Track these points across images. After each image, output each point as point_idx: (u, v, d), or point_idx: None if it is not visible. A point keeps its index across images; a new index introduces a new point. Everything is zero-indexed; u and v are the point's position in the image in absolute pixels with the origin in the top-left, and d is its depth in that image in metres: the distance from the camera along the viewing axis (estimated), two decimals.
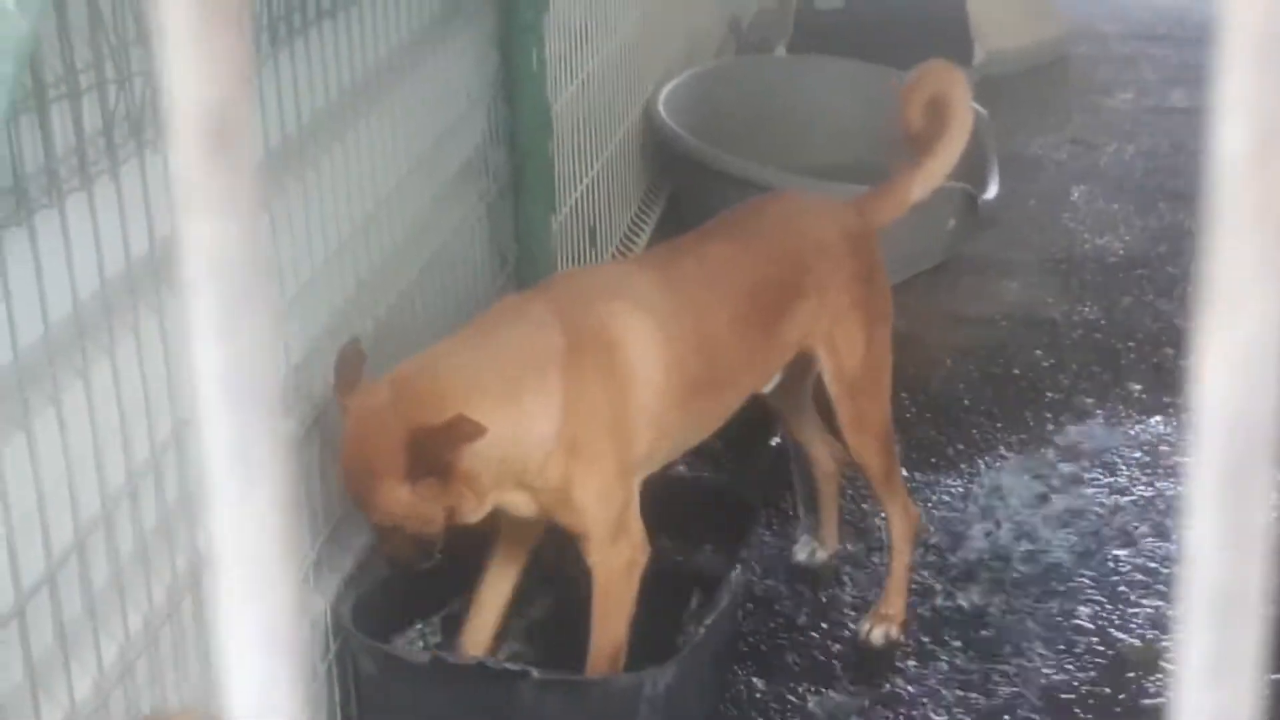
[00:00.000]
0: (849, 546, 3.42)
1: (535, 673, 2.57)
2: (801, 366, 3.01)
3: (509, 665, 2.64)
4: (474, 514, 2.49)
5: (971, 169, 4.69)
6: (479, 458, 2.40)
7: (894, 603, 3.14)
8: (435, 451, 2.35)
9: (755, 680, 3.02)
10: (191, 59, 0.48)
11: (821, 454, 3.28)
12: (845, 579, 3.34)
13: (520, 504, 2.56)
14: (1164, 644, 3.12)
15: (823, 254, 2.90)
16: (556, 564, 2.89)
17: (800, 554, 3.36)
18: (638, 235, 4.75)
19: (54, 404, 1.84)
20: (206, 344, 0.50)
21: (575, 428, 2.51)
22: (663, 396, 2.64)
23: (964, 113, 2.99)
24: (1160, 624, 3.17)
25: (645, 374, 2.61)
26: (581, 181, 4.12)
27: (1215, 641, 0.51)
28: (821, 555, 3.36)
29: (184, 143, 0.48)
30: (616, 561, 2.62)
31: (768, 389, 3.02)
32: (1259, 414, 0.49)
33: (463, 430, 2.34)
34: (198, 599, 2.15)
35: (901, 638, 3.12)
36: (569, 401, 2.51)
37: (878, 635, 3.10)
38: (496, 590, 2.81)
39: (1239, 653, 0.50)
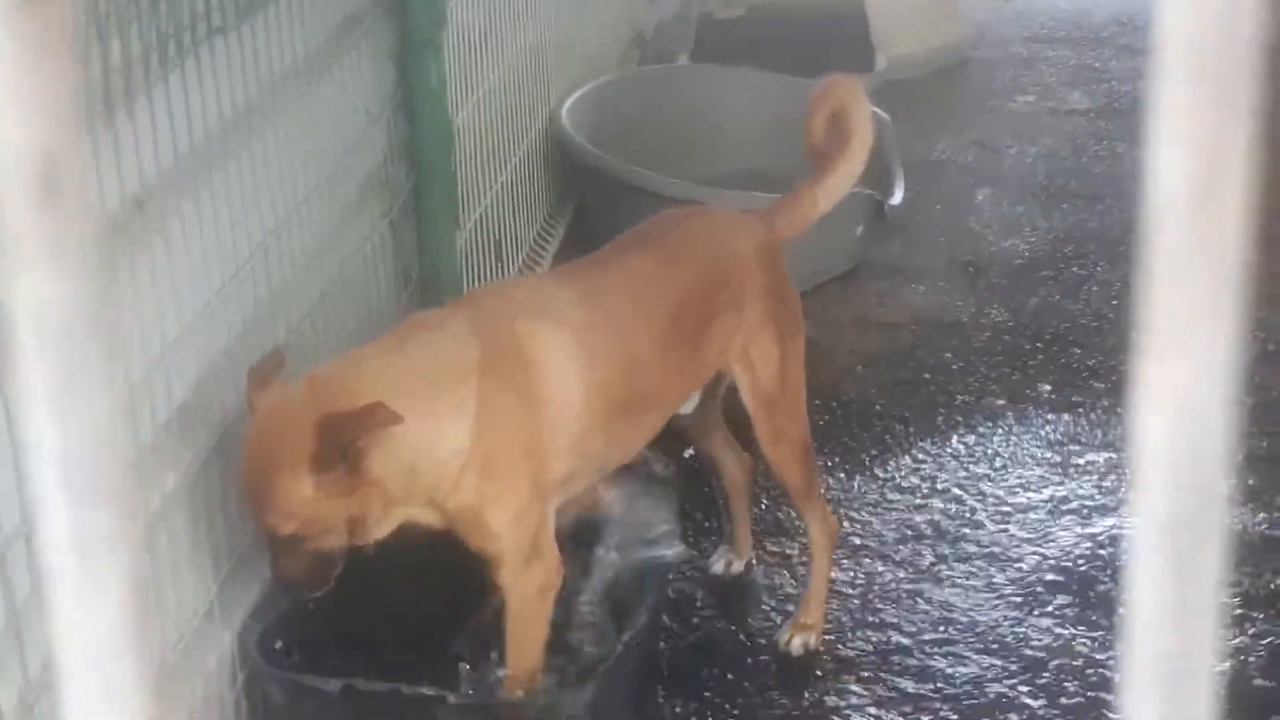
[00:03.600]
0: (766, 555, 3.41)
1: (451, 697, 2.53)
2: (713, 381, 2.99)
3: (424, 690, 2.58)
4: (378, 527, 2.43)
5: (876, 175, 4.70)
6: (391, 460, 2.35)
7: (813, 612, 3.12)
8: (347, 435, 2.28)
9: (675, 696, 2.99)
10: (12, 97, 0.43)
11: (731, 465, 3.26)
12: (762, 589, 3.32)
13: (432, 520, 2.51)
14: (1078, 643, 3.12)
15: (738, 269, 2.89)
16: None
17: (716, 565, 3.34)
18: (544, 249, 4.71)
19: None
20: (40, 422, 0.45)
21: (489, 446, 2.47)
22: (582, 418, 2.60)
23: (865, 126, 3.00)
24: (1073, 621, 3.18)
25: (564, 395, 2.57)
26: (485, 196, 4.07)
27: (1163, 711, 0.46)
28: (737, 566, 3.34)
29: (8, 190, 0.43)
30: (529, 586, 2.57)
31: (687, 409, 3.00)
32: (1204, 465, 0.45)
33: (378, 416, 2.29)
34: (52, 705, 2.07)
35: (820, 647, 3.11)
36: (483, 417, 2.46)
37: (797, 645, 3.09)
38: None
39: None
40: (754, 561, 3.37)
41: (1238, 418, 0.45)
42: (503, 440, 2.49)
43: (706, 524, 3.50)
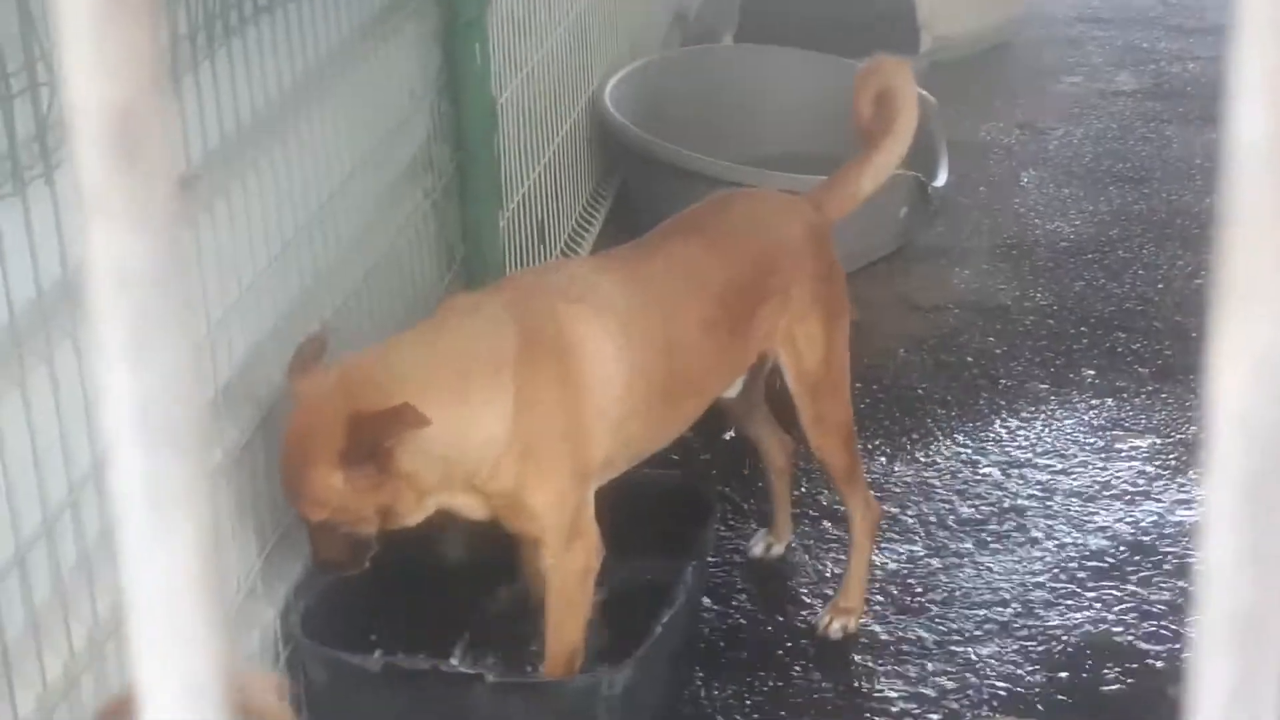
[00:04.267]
0: (806, 540, 3.40)
1: (490, 676, 2.54)
2: (756, 363, 2.99)
3: (463, 669, 2.60)
4: (411, 515, 2.44)
5: (921, 157, 4.68)
6: (421, 454, 2.36)
7: (852, 595, 3.12)
8: (374, 436, 2.30)
9: (713, 678, 3.00)
10: (92, 53, 0.43)
11: (773, 449, 3.26)
12: (802, 572, 3.32)
13: (470, 507, 2.53)
14: (1121, 631, 3.11)
15: (788, 253, 2.88)
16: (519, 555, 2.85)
17: (755, 548, 3.34)
18: (586, 230, 4.72)
19: None
20: (116, 372, 0.45)
21: (528, 431, 2.48)
22: (623, 402, 2.60)
23: (910, 107, 2.99)
24: (1115, 608, 3.17)
25: (604, 379, 2.57)
26: (528, 177, 4.08)
27: (1235, 668, 0.47)
28: (777, 549, 3.34)
29: (87, 147, 0.44)
30: (571, 566, 2.58)
31: (732, 393, 2.99)
32: None
33: (405, 418, 2.31)
34: (121, 644, 2.11)
35: (859, 631, 3.11)
36: (521, 404, 2.47)
37: (836, 628, 3.09)
38: None
39: (1261, 680, 0.47)
40: (794, 545, 3.37)
41: None
42: (542, 425, 2.49)
43: (746, 506, 3.50)
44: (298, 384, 2.40)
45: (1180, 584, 3.26)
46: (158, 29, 0.46)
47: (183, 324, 0.47)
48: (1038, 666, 3.01)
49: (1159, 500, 3.56)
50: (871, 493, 3.21)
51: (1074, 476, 3.67)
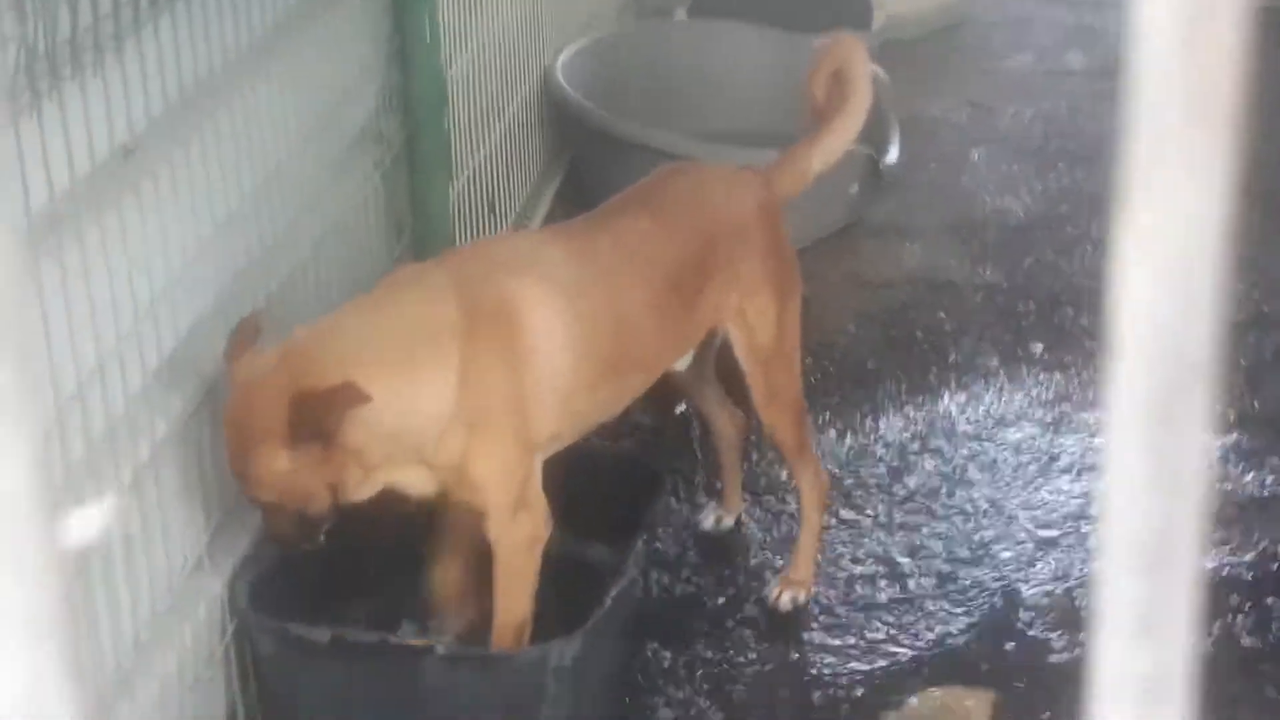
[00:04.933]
0: (756, 513, 3.41)
1: (440, 648, 2.53)
2: (706, 337, 2.98)
3: (412, 641, 2.59)
4: (360, 491, 2.43)
5: (873, 133, 4.68)
6: (367, 429, 2.35)
7: (802, 568, 3.13)
8: (317, 415, 2.29)
9: (664, 649, 3.00)
10: None
11: (724, 422, 3.26)
12: (752, 545, 3.33)
13: (418, 481, 2.51)
14: (1069, 599, 3.13)
15: (736, 227, 2.87)
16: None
17: (706, 521, 3.34)
18: (538, 204, 4.69)
19: None
20: None
21: (473, 402, 2.46)
22: (569, 375, 2.59)
23: (864, 86, 2.99)
24: (1064, 579, 3.19)
25: (550, 350, 2.56)
26: (479, 150, 4.05)
27: (1142, 592, 0.44)
28: (727, 521, 3.34)
29: None
30: (518, 537, 2.57)
31: (681, 366, 2.99)
32: (1191, 331, 0.42)
33: (348, 396, 2.29)
34: None
35: (809, 602, 3.12)
36: (465, 375, 2.45)
37: (785, 600, 3.09)
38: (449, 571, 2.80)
39: (1169, 604, 0.44)
40: (744, 517, 3.37)
41: (1226, 282, 0.42)
42: (486, 397, 2.48)
43: (696, 479, 3.50)
44: (235, 366, 2.37)
45: None
46: None
47: (21, 349, 0.41)
48: (986, 638, 3.03)
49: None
50: (821, 466, 3.21)
51: (1023, 450, 3.69)
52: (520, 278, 2.56)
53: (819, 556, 3.19)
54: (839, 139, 3.00)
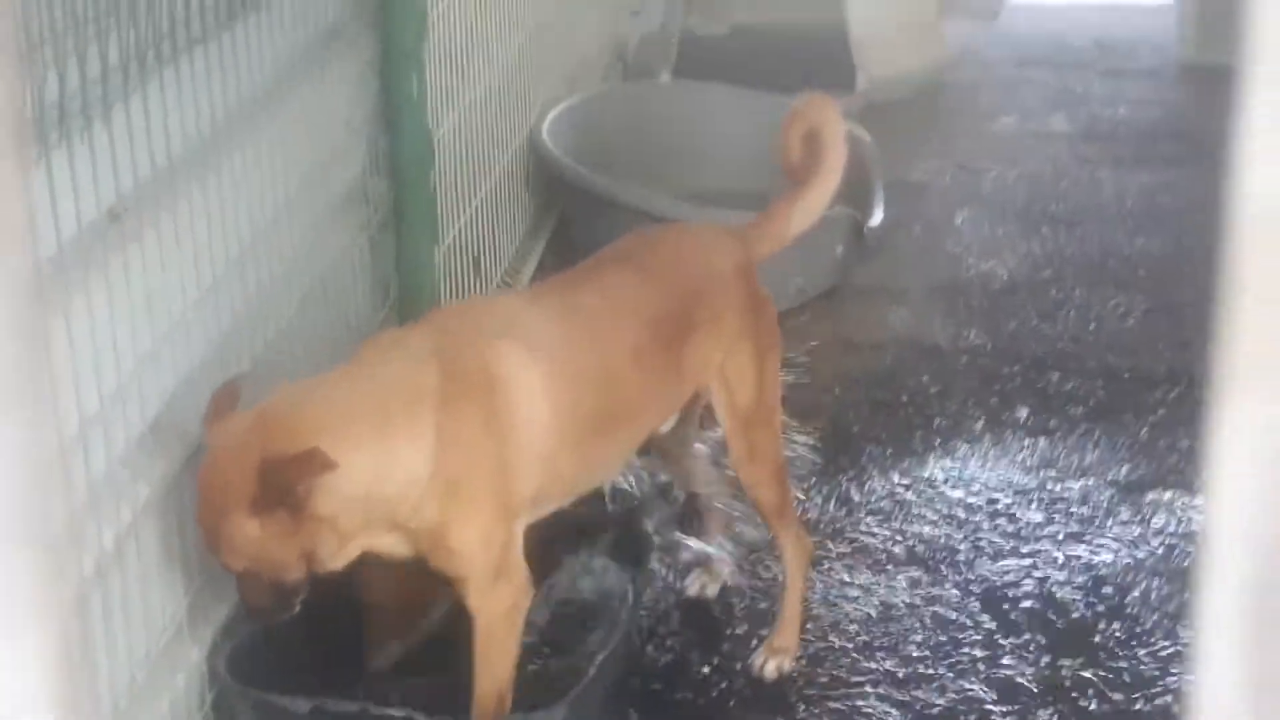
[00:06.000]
0: (742, 579, 3.38)
1: (421, 718, 2.50)
2: (690, 399, 2.97)
3: (393, 711, 2.56)
4: (334, 559, 2.40)
5: (857, 195, 4.69)
6: (339, 496, 2.32)
7: (787, 634, 3.10)
8: (284, 482, 2.26)
9: (648, 718, 2.96)
10: None
11: (704, 485, 3.23)
12: (739, 611, 3.30)
13: (395, 546, 2.48)
14: (1058, 672, 3.11)
15: (716, 285, 2.87)
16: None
17: (691, 588, 3.32)
18: (523, 263, 4.69)
19: None
20: None
21: (451, 468, 2.44)
22: (551, 437, 2.57)
23: (838, 144, 3.00)
24: (1055, 650, 3.16)
25: (529, 413, 2.54)
26: (465, 210, 4.05)
27: None
28: (712, 588, 3.32)
29: None
30: (498, 606, 2.54)
31: (665, 428, 2.97)
32: None
33: (314, 463, 2.26)
34: None
35: (794, 671, 3.09)
36: (443, 441, 2.43)
37: (770, 668, 3.07)
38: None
39: None
40: (728, 584, 3.35)
41: None
42: (465, 462, 2.45)
43: (682, 545, 3.47)
44: (212, 430, 2.35)
45: (1116, 626, 3.26)
46: (15, 94, 0.39)
47: (33, 392, 0.40)
48: (972, 707, 3.00)
49: (1093, 541, 3.57)
50: (804, 529, 3.19)
51: (1008, 517, 3.68)
52: (501, 341, 2.55)
53: (803, 623, 3.16)
54: (816, 200, 3.01)
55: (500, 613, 2.55)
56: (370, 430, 2.38)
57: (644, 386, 2.73)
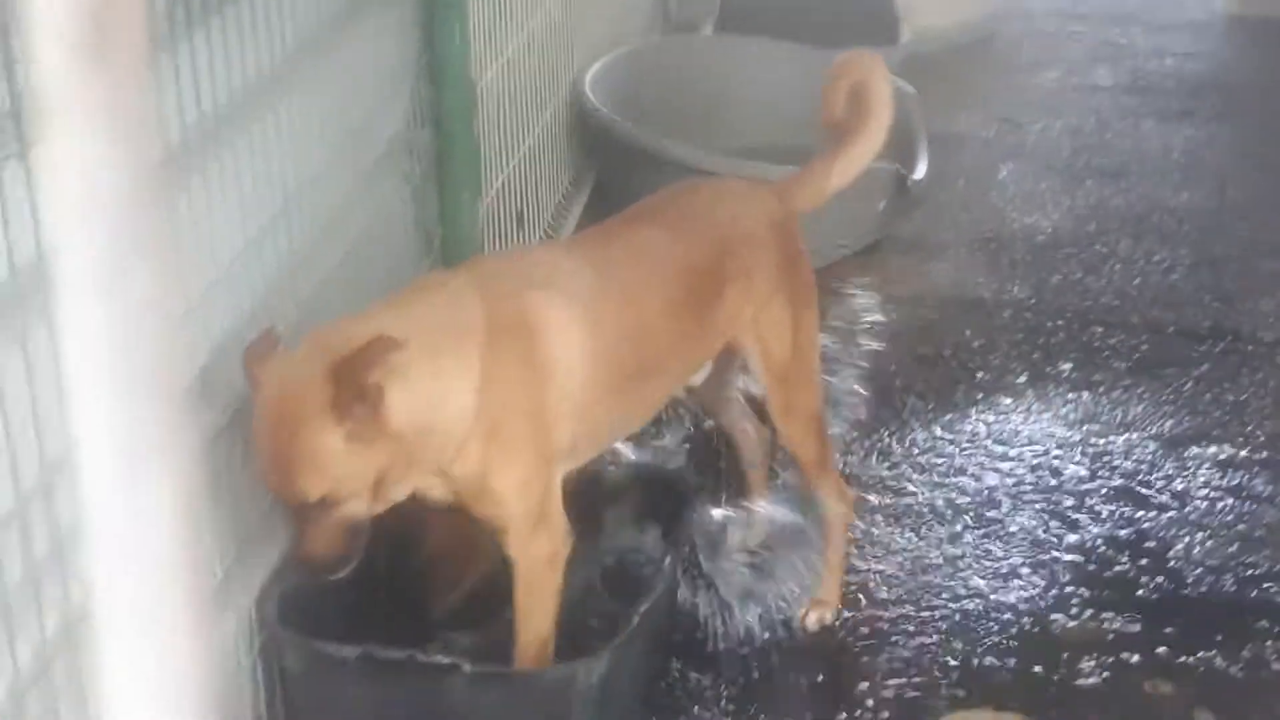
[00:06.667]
0: (782, 531, 3.39)
1: (467, 666, 2.51)
2: (725, 354, 2.97)
3: (440, 659, 2.58)
4: (397, 487, 2.38)
5: (901, 149, 4.67)
6: (405, 406, 2.30)
7: (830, 587, 3.11)
8: (358, 374, 2.23)
9: (690, 669, 2.98)
10: None
11: (748, 440, 3.24)
12: (779, 562, 3.31)
13: (438, 489, 2.48)
14: (1100, 625, 3.11)
15: (748, 240, 2.86)
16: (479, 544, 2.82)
17: (734, 537, 3.33)
18: (565, 217, 4.69)
19: None
20: (83, 306, 0.38)
21: (493, 410, 2.43)
22: (587, 386, 2.57)
23: (884, 103, 2.97)
24: (1097, 604, 3.16)
25: (568, 362, 2.54)
26: (508, 163, 4.05)
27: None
28: (753, 540, 3.33)
29: (50, 41, 0.35)
30: (538, 554, 2.55)
31: (699, 380, 2.98)
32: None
33: (382, 345, 2.24)
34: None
35: (837, 623, 3.10)
36: (486, 382, 2.42)
37: (813, 620, 3.08)
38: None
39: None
40: (767, 537, 3.35)
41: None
42: (507, 405, 2.46)
43: (724, 496, 3.48)
44: (259, 370, 2.32)
45: (1160, 580, 3.25)
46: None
47: (161, 249, 0.40)
48: (1014, 659, 3.01)
49: (1136, 495, 3.56)
50: (844, 482, 3.19)
51: (1051, 470, 3.67)
52: (540, 290, 2.55)
53: (844, 574, 3.17)
54: (859, 156, 2.99)
55: (541, 561, 2.56)
56: (423, 359, 2.36)
57: (674, 339, 2.74)
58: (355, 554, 2.37)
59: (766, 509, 3.34)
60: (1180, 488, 3.58)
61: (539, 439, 2.51)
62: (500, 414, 2.45)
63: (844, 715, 2.88)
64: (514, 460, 2.48)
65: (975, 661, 3.00)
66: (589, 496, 2.91)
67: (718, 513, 3.34)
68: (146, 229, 0.38)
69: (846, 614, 3.13)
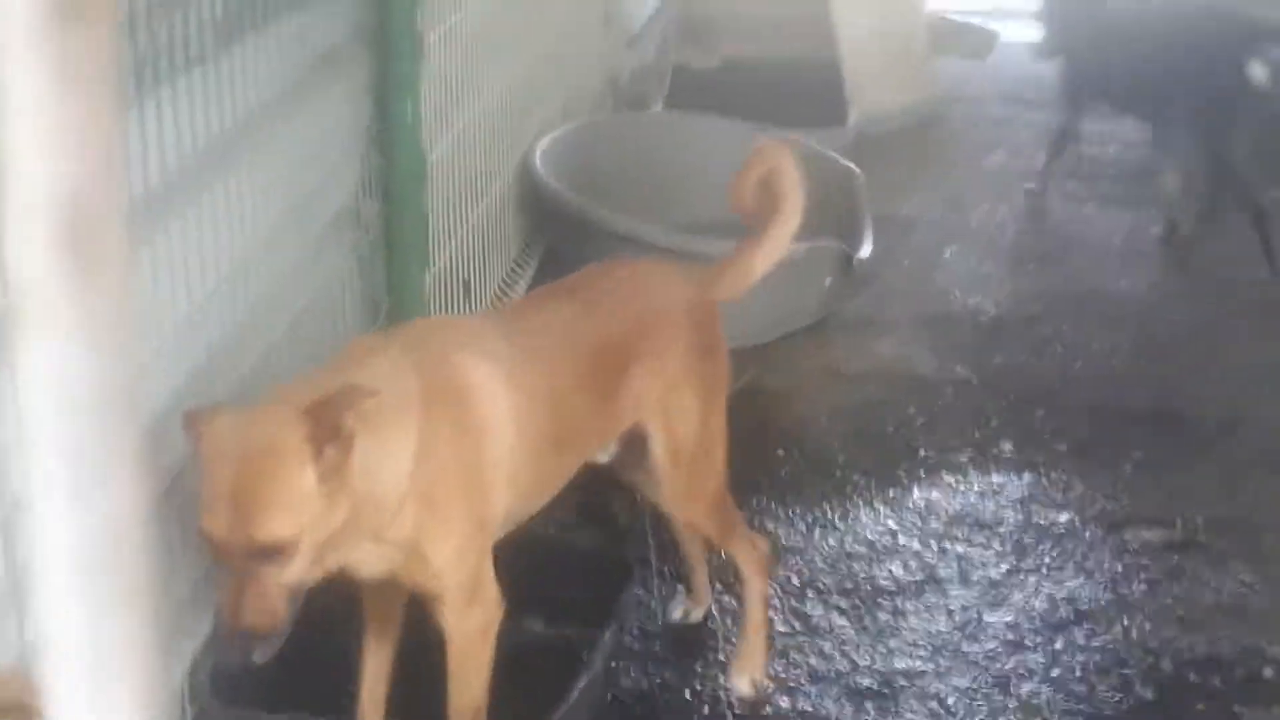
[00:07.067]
0: (725, 605, 3.39)
1: None
2: (635, 436, 2.96)
3: None
4: (339, 550, 2.33)
5: (846, 228, 4.72)
6: (358, 466, 2.28)
7: (754, 644, 3.11)
8: (335, 413, 2.22)
9: None
10: (40, 127, 0.35)
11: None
12: (721, 638, 3.30)
13: (371, 560, 2.44)
14: (1037, 704, 3.12)
15: (662, 320, 2.90)
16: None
17: (675, 613, 3.32)
18: (513, 289, 4.71)
19: None
20: (53, 517, 0.37)
21: (429, 476, 2.42)
22: (515, 451, 2.58)
23: (795, 188, 3.03)
24: (1030, 681, 3.17)
25: (498, 424, 2.55)
26: (456, 235, 4.07)
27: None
28: (695, 614, 3.32)
29: (28, 237, 0.35)
30: (471, 625, 2.54)
31: (605, 457, 2.98)
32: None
33: (357, 391, 2.25)
34: None
35: (770, 684, 3.08)
36: (423, 447, 2.42)
37: (745, 685, 3.07)
38: (378, 664, 2.73)
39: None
40: (712, 610, 3.35)
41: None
42: (442, 471, 2.45)
43: (665, 571, 3.48)
44: (204, 424, 2.27)
45: (1097, 659, 3.27)
46: (114, 106, 0.38)
47: (133, 456, 0.39)
48: None
49: (1076, 576, 3.58)
50: (755, 536, 3.18)
51: (993, 550, 3.69)
52: (466, 354, 2.57)
53: (770, 632, 3.15)
54: (777, 242, 3.05)
55: (474, 632, 2.55)
56: (364, 424, 2.35)
57: (584, 410, 2.76)
58: (284, 633, 2.29)
59: (702, 583, 3.34)
60: (1120, 569, 3.61)
61: (474, 505, 2.51)
62: (435, 480, 2.44)
63: None
64: (449, 528, 2.47)
65: None
66: (529, 566, 2.91)
67: (656, 588, 3.33)
68: (120, 439, 0.37)
69: (779, 692, 3.12)
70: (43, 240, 0.36)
